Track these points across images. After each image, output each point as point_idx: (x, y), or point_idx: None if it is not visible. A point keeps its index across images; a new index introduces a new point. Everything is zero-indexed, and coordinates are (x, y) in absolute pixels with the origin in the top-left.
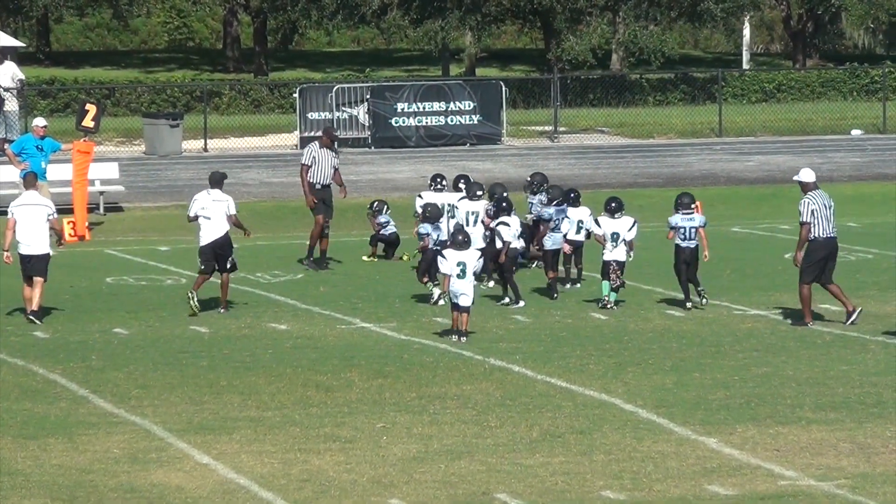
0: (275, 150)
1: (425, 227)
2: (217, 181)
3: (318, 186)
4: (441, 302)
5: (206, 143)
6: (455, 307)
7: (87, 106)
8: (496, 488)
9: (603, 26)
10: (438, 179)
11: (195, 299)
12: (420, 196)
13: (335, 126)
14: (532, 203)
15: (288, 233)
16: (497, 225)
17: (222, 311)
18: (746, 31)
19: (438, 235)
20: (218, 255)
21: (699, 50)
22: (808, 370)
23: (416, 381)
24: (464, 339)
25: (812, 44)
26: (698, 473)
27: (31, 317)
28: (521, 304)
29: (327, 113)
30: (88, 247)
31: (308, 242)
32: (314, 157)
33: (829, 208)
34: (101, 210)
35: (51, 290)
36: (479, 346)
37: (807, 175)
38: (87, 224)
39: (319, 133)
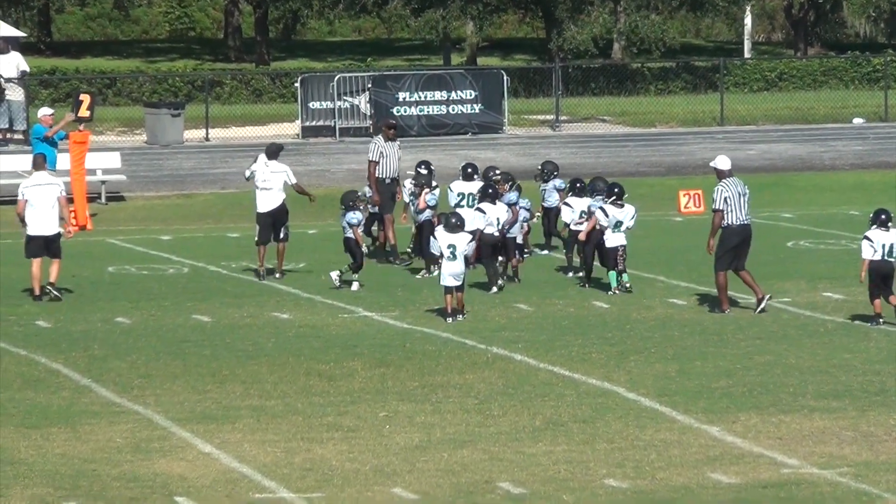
0: (276, 140)
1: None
2: (273, 153)
3: (387, 181)
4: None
5: (207, 133)
6: (447, 289)
7: (82, 96)
8: (499, 477)
9: (604, 15)
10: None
11: (263, 268)
12: (404, 186)
13: (336, 115)
14: (545, 190)
15: (291, 222)
16: (474, 210)
17: (278, 275)
18: (748, 20)
19: (359, 221)
20: (275, 223)
21: (701, 39)
22: (811, 358)
23: (419, 370)
24: (460, 317)
25: (813, 32)
26: (701, 462)
27: (52, 292)
28: (493, 290)
29: (329, 102)
30: (90, 236)
31: (390, 243)
32: (381, 152)
33: (744, 196)
34: (103, 199)
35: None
36: (482, 334)
37: (722, 163)
38: (88, 213)
39: (322, 123)
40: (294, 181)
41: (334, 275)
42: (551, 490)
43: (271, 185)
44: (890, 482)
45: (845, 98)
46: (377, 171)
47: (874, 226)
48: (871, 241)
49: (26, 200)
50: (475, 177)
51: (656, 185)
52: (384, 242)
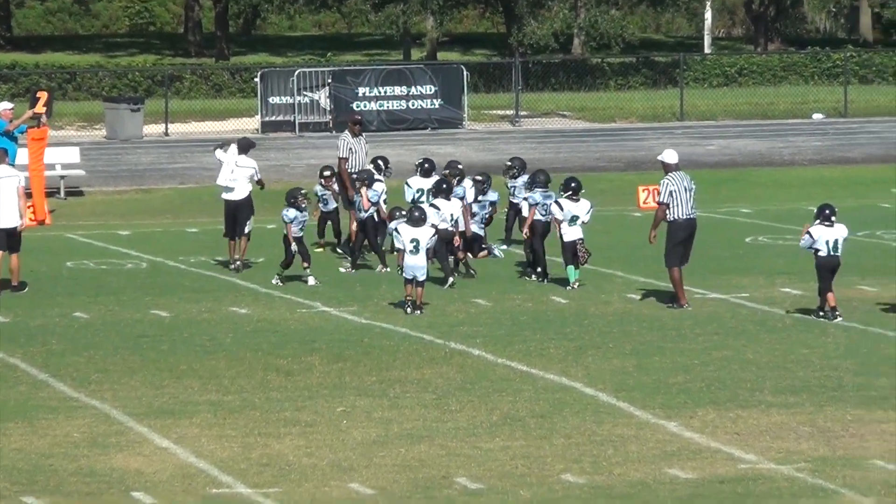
0: (236, 135)
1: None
2: (244, 147)
3: (354, 175)
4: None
5: (167, 128)
6: (408, 282)
7: (39, 93)
8: (456, 472)
9: (564, 11)
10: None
11: (233, 260)
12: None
13: (295, 110)
14: (514, 187)
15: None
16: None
17: (233, 267)
18: (708, 15)
19: (291, 219)
20: (237, 215)
21: (661, 34)
22: (769, 354)
23: (377, 365)
24: (418, 311)
25: (774, 27)
26: (658, 457)
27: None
28: (451, 280)
29: (289, 97)
30: (49, 231)
31: (353, 241)
32: (351, 148)
33: (690, 191)
34: (62, 194)
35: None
36: (440, 329)
37: (669, 156)
38: (47, 208)
39: (282, 118)
40: (258, 178)
41: (274, 281)
42: (508, 485)
43: (235, 179)
44: (846, 477)
45: (805, 93)
46: (347, 167)
47: (818, 220)
48: (813, 236)
49: None
50: (433, 172)
51: (616, 180)
52: (350, 237)
